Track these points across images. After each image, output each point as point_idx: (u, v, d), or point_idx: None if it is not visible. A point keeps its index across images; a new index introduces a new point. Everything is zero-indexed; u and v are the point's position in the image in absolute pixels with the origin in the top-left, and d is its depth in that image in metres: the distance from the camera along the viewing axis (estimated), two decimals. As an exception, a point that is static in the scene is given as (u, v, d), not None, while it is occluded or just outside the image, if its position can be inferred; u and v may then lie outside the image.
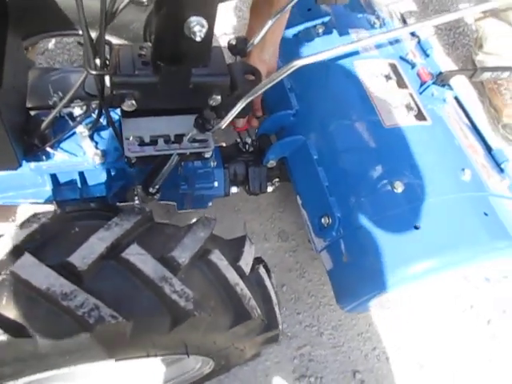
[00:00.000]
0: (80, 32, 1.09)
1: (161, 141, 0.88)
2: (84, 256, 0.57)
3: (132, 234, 0.63)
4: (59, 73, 1.12)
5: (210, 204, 1.19)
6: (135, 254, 0.59)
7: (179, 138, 0.89)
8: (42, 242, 0.59)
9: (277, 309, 0.83)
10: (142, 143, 0.87)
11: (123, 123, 0.88)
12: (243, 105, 0.82)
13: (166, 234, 0.68)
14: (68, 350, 0.57)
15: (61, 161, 0.90)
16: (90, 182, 0.98)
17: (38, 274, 0.54)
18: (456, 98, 1.22)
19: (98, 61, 0.78)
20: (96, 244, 0.58)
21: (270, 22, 0.97)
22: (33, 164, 0.88)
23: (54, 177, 0.94)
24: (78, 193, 0.98)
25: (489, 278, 1.25)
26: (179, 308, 0.61)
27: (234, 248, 0.78)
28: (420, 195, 0.96)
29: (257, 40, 1.00)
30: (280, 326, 0.85)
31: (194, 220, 1.37)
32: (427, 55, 1.30)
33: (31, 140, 0.86)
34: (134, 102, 0.83)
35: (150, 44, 0.86)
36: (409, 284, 0.93)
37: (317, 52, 0.80)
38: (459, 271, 0.97)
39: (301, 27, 1.23)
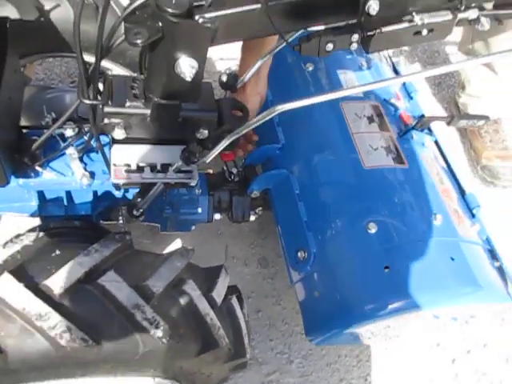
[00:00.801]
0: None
1: (147, 169, 0.92)
2: (61, 280, 0.60)
3: (110, 260, 0.67)
4: (54, 92, 1.17)
5: (193, 227, 1.23)
6: (111, 281, 0.63)
7: (165, 168, 0.93)
8: (22, 262, 0.62)
9: (246, 338, 0.86)
10: (128, 170, 0.91)
11: (112, 150, 0.91)
12: (228, 142, 0.87)
13: (143, 262, 0.71)
14: (38, 366, 0.60)
15: (49, 179, 0.93)
16: (76, 200, 1.02)
17: (15, 293, 0.58)
18: (436, 142, 1.28)
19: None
20: (74, 269, 0.62)
21: (260, 62, 1.03)
22: (21, 180, 0.92)
23: (40, 193, 0.98)
24: (64, 210, 1.01)
25: (456, 317, 1.29)
26: (149, 335, 0.64)
27: (208, 278, 0.81)
28: (392, 237, 1.00)
29: (247, 77, 1.05)
30: (247, 355, 0.88)
31: (173, 248, 1.41)
32: (411, 98, 1.37)
33: (22, 158, 0.89)
34: (124, 131, 0.87)
35: (142, 77, 0.90)
36: (374, 322, 0.97)
37: (300, 98, 0.84)
38: (425, 312, 1.01)
39: (291, 63, 1.29)
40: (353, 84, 1.24)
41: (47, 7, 1.04)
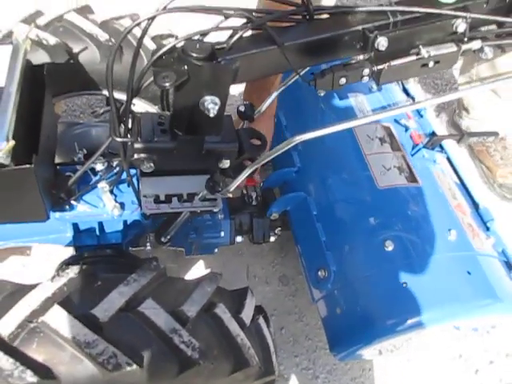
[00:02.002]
0: (104, 92, 1.22)
1: (175, 199, 0.98)
2: (105, 309, 0.66)
3: (147, 288, 0.72)
4: (82, 127, 1.25)
5: (216, 250, 1.28)
6: (150, 308, 0.68)
7: (191, 197, 0.99)
8: (69, 294, 0.68)
9: (274, 356, 0.91)
10: (157, 200, 0.97)
11: (141, 182, 0.98)
12: (250, 171, 0.92)
13: (176, 288, 0.77)
14: (88, 392, 0.65)
15: (83, 212, 1.00)
16: (108, 229, 1.08)
17: (65, 323, 0.63)
18: (448, 159, 1.33)
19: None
20: (116, 298, 0.67)
21: (275, 94, 1.09)
22: (58, 214, 0.98)
23: (75, 224, 1.04)
24: (96, 239, 1.07)
25: (477, 327, 1.31)
26: (186, 356, 0.69)
27: (236, 300, 0.86)
28: (408, 254, 1.05)
29: (264, 107, 1.12)
30: (276, 372, 0.92)
31: (198, 270, 1.46)
32: (421, 116, 1.42)
33: (58, 194, 0.96)
34: (152, 164, 0.94)
35: (167, 113, 0.97)
36: (395, 336, 1.01)
37: (317, 128, 0.89)
38: (444, 326, 1.04)
39: (304, 87, 1.34)
40: (364, 107, 1.30)
41: (75, 50, 1.12)
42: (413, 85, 1.47)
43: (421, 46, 0.86)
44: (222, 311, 0.77)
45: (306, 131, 0.89)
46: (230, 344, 0.77)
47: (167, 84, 0.78)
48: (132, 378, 0.66)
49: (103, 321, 0.65)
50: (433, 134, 1.31)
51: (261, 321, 0.88)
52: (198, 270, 1.52)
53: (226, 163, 0.99)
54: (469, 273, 1.04)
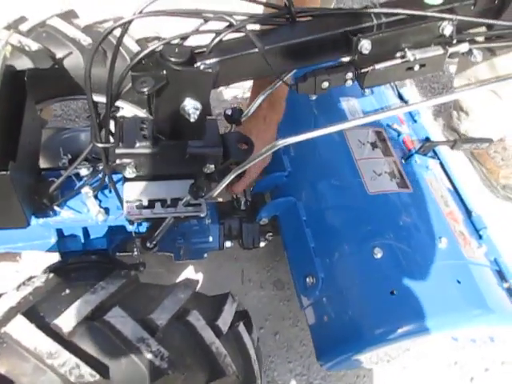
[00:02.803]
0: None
1: (158, 204, 0.97)
2: (70, 318, 0.65)
3: (116, 296, 0.71)
4: (69, 132, 1.25)
5: (206, 255, 1.27)
6: (116, 317, 0.67)
7: (175, 202, 0.98)
8: (34, 303, 0.67)
9: (255, 364, 0.89)
10: (140, 206, 0.96)
11: (124, 187, 0.97)
12: (233, 175, 0.91)
13: (149, 295, 0.75)
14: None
15: (67, 217, 0.99)
16: (93, 235, 1.07)
17: (27, 334, 0.62)
18: (441, 164, 1.30)
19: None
20: (81, 307, 0.66)
21: (261, 98, 1.07)
22: (41, 220, 0.97)
23: (59, 230, 1.04)
24: (81, 245, 1.07)
25: (474, 339, 1.28)
26: (154, 366, 0.68)
27: (214, 306, 0.85)
28: (397, 262, 1.02)
29: (251, 111, 1.10)
30: (259, 381, 0.91)
31: (189, 275, 1.44)
32: (415, 121, 1.39)
33: (41, 200, 0.95)
34: (134, 169, 0.93)
35: (151, 118, 0.96)
36: (382, 347, 0.99)
37: (302, 131, 0.88)
38: (442, 335, 1.02)
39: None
40: (356, 111, 1.28)
41: (59, 55, 1.11)
42: (409, 88, 1.45)
43: (406, 49, 0.84)
44: (196, 318, 0.75)
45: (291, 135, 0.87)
46: (204, 353, 0.75)
47: (145, 89, 0.77)
48: (98, 389, 0.65)
49: (66, 331, 0.64)
50: (427, 139, 1.28)
51: (241, 328, 0.86)
52: (190, 275, 1.51)
53: (210, 168, 0.97)
54: (459, 282, 1.01)
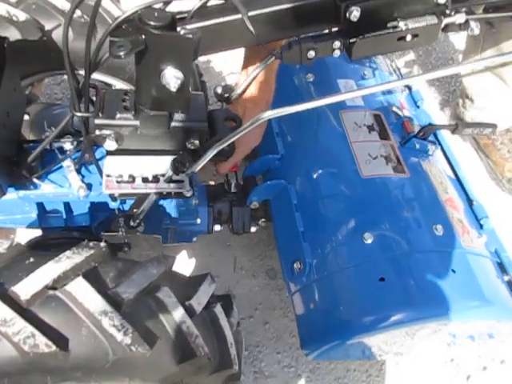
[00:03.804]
0: (81, 72, 1.18)
1: (138, 179, 0.93)
2: (29, 286, 0.61)
3: (83, 267, 0.68)
4: (58, 108, 1.22)
5: (195, 239, 1.23)
6: (78, 288, 0.64)
7: (157, 178, 0.94)
8: (-5, 270, 0.64)
9: (232, 348, 0.85)
10: (120, 181, 0.93)
11: (105, 161, 0.94)
12: (215, 151, 0.87)
13: (118, 269, 0.72)
14: (7, 372, 0.61)
15: (47, 191, 0.97)
16: (75, 211, 1.04)
17: (-18, 300, 0.60)
18: (443, 150, 1.24)
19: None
20: (43, 275, 0.63)
21: (253, 74, 1.03)
22: (21, 192, 0.95)
23: (40, 205, 1.01)
24: (63, 221, 1.04)
25: (473, 336, 1.22)
26: (116, 342, 0.64)
27: (190, 286, 0.81)
28: (388, 248, 0.98)
29: (241, 89, 1.06)
30: (235, 366, 0.87)
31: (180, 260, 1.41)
32: (417, 106, 1.34)
33: (20, 171, 0.93)
34: (114, 142, 0.89)
35: (133, 88, 0.93)
36: (370, 335, 0.94)
37: (286, 105, 0.83)
38: (440, 330, 0.97)
39: (292, 72, 1.29)
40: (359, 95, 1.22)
41: (48, 27, 1.08)
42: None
43: (398, 18, 0.79)
44: (166, 295, 0.72)
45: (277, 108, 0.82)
46: (174, 332, 0.71)
47: (122, 53, 0.74)
48: (54, 361, 0.62)
49: (24, 298, 0.61)
50: (427, 124, 1.23)
51: (217, 309, 0.82)
52: (182, 260, 1.48)
53: (195, 144, 0.93)
54: (454, 271, 0.96)
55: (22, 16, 1.10)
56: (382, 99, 1.25)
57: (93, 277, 0.67)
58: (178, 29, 0.77)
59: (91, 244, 0.72)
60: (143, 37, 0.76)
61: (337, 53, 0.80)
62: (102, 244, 0.73)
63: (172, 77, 0.80)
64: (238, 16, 0.77)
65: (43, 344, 0.59)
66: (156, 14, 0.76)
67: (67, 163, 0.97)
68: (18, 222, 1.03)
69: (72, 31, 1.11)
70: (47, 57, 1.12)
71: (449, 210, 1.07)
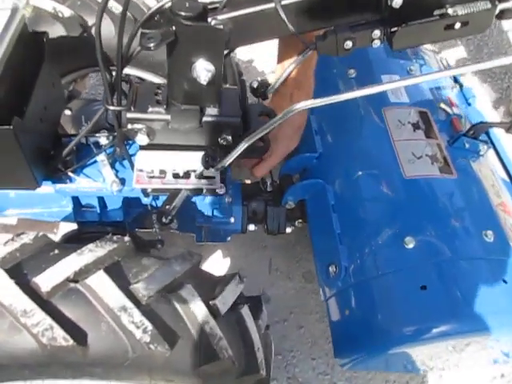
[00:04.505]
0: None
1: (169, 175, 0.92)
2: (49, 278, 0.61)
3: (105, 261, 0.67)
4: (98, 104, 1.23)
5: (229, 239, 1.20)
6: (99, 282, 0.63)
7: (188, 174, 0.93)
8: (20, 260, 0.64)
9: (259, 353, 0.81)
10: (151, 176, 0.92)
11: (137, 156, 0.93)
12: (245, 145, 0.84)
13: (141, 264, 0.70)
14: (27, 364, 0.61)
15: (82, 185, 0.97)
16: (109, 206, 1.05)
17: (5, 290, 0.59)
18: (496, 151, 1.15)
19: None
20: (64, 267, 0.62)
21: (290, 67, 0.99)
22: (57, 186, 0.96)
23: (76, 199, 1.02)
24: (97, 216, 1.04)
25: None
26: (135, 339, 0.62)
27: (217, 285, 0.78)
28: (431, 254, 0.91)
29: (278, 83, 1.02)
30: (262, 371, 0.83)
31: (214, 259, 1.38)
32: (469, 104, 1.25)
33: (55, 164, 0.94)
34: (146, 136, 0.89)
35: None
36: (409, 347, 0.87)
37: (321, 96, 0.79)
38: (472, 343, 0.89)
39: (333, 68, 1.24)
40: (399, 89, 1.16)
41: (90, 23, 1.10)
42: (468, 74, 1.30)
43: (447, 5, 0.73)
44: (190, 293, 0.69)
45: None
46: (196, 332, 0.69)
47: (151, 45, 0.72)
48: (72, 355, 0.61)
49: (45, 290, 0.60)
50: (480, 123, 1.14)
51: (244, 310, 0.79)
52: (216, 260, 1.45)
53: (227, 139, 0.91)
54: (505, 281, 0.88)
55: (67, 12, 1.12)
56: (429, 96, 1.17)
57: (114, 271, 0.65)
58: (209, 19, 0.75)
59: (115, 238, 0.70)
60: (174, 28, 0.74)
61: (376, 43, 0.75)
62: (126, 238, 0.71)
63: (203, 69, 0.78)
64: (271, 5, 0.74)
65: (61, 337, 0.58)
66: (187, 4, 0.74)
67: (101, 157, 0.98)
68: (55, 215, 1.05)
69: (114, 27, 1.13)
70: (89, 53, 1.13)
71: (501, 215, 0.98)
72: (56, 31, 1.10)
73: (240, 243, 1.46)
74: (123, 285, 0.64)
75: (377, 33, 0.74)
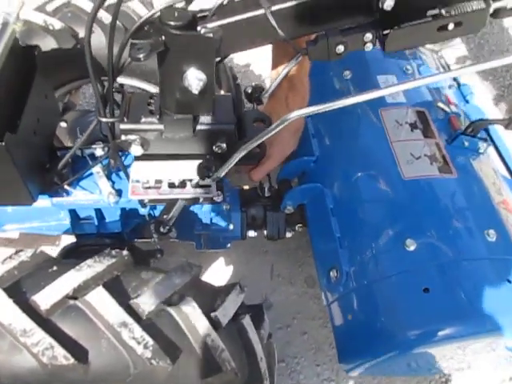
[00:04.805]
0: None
1: (164, 185, 0.91)
2: (48, 296, 0.60)
3: (104, 276, 0.66)
4: (93, 115, 1.22)
5: (229, 245, 1.20)
6: (99, 298, 0.62)
7: (184, 184, 0.92)
8: (18, 278, 0.63)
9: (263, 363, 0.80)
10: (146, 186, 0.91)
11: (132, 166, 0.92)
12: (241, 154, 0.83)
13: (140, 278, 0.69)
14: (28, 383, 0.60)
15: (78, 198, 0.97)
16: (107, 218, 1.04)
17: (4, 309, 0.59)
18: (496, 148, 1.14)
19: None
20: (63, 285, 0.61)
21: (284, 71, 0.98)
22: (54, 199, 0.96)
23: (73, 212, 1.01)
24: (95, 228, 1.04)
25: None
26: (136, 355, 0.62)
27: (217, 296, 0.77)
28: (433, 255, 0.90)
29: (272, 88, 1.02)
30: (266, 382, 0.82)
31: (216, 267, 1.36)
32: (467, 101, 1.24)
33: (51, 178, 0.93)
34: (140, 147, 0.88)
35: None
36: (415, 350, 0.86)
37: (313, 104, 0.78)
38: (474, 343, 0.88)
39: (328, 70, 1.23)
40: (397, 91, 1.15)
41: (81, 35, 1.09)
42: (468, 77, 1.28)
43: (440, 6, 0.72)
44: (190, 306, 0.68)
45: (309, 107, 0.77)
46: (198, 345, 0.68)
47: (141, 55, 0.72)
48: (73, 374, 0.60)
49: (44, 308, 0.60)
50: (479, 120, 1.13)
51: (246, 321, 0.78)
52: (218, 267, 1.44)
53: (221, 147, 0.90)
54: (509, 281, 0.87)
55: (57, 25, 1.12)
56: (426, 95, 1.16)
57: (114, 286, 0.65)
58: (199, 28, 0.74)
59: (113, 252, 0.70)
60: (163, 38, 0.73)
61: (369, 46, 0.74)
62: (125, 252, 0.71)
63: (194, 78, 0.77)
64: (261, 11, 0.73)
65: (62, 356, 0.57)
66: (176, 13, 0.73)
67: (97, 169, 0.97)
68: (53, 229, 1.04)
69: (105, 37, 1.12)
70: (82, 64, 1.12)
71: (503, 213, 0.97)
72: (48, 44, 1.09)
73: (241, 249, 1.45)
74: (123, 300, 0.63)
75: (369, 36, 0.73)
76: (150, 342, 0.63)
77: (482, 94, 1.69)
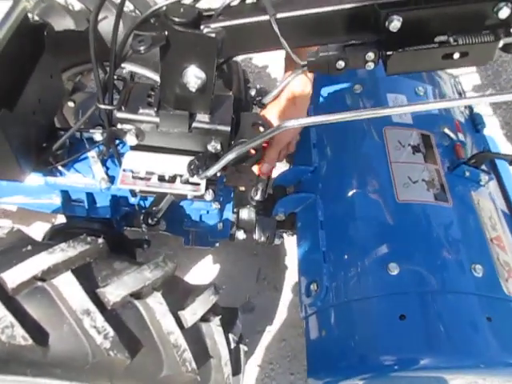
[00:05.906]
0: (122, 64, 1.18)
1: (154, 178, 0.91)
2: (16, 275, 0.60)
3: (76, 262, 0.66)
4: (98, 98, 1.23)
5: (217, 245, 1.20)
6: (66, 283, 0.62)
7: (174, 178, 0.92)
8: (-10, 255, 0.64)
9: (227, 367, 0.80)
10: (136, 177, 0.91)
11: (125, 156, 0.93)
12: (231, 157, 0.83)
13: (112, 268, 0.69)
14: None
15: (71, 180, 0.97)
16: (98, 203, 1.04)
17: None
18: (499, 182, 1.12)
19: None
20: (33, 265, 0.62)
21: (286, 80, 0.98)
22: (47, 178, 0.97)
23: (66, 193, 1.02)
24: (86, 211, 1.04)
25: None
26: (95, 344, 0.62)
27: (189, 295, 0.77)
28: (414, 283, 0.88)
29: (274, 93, 1.01)
30: (230, 387, 0.82)
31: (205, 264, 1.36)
32: (477, 130, 1.22)
33: (45, 157, 0.94)
34: (135, 137, 0.88)
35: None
36: (383, 376, 0.85)
37: (311, 115, 0.78)
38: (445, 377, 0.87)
39: (338, 83, 1.22)
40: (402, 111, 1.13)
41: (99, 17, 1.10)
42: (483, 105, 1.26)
43: (448, 33, 0.71)
44: (157, 301, 0.68)
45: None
46: (160, 341, 0.68)
47: (141, 48, 0.71)
48: (32, 355, 0.60)
49: (10, 287, 0.60)
50: (483, 151, 1.11)
51: (214, 323, 0.78)
52: (205, 265, 1.44)
53: (215, 146, 0.90)
54: (489, 319, 0.85)
55: (77, 5, 1.12)
56: (434, 119, 1.14)
57: (83, 273, 0.65)
58: (202, 27, 0.74)
59: (89, 239, 0.70)
60: (166, 32, 0.73)
61: (370, 65, 0.73)
62: (100, 240, 0.71)
63: (193, 76, 0.77)
64: (266, 17, 0.73)
65: (20, 336, 0.58)
66: (182, 9, 0.73)
67: (92, 154, 0.97)
68: (44, 207, 1.05)
69: (123, 24, 1.12)
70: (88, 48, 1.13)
71: (495, 249, 0.95)
72: (65, 24, 1.10)
73: (231, 249, 1.45)
74: (90, 287, 0.64)
75: (371, 55, 0.72)
76: (111, 332, 0.63)
77: (493, 124, 1.66)
